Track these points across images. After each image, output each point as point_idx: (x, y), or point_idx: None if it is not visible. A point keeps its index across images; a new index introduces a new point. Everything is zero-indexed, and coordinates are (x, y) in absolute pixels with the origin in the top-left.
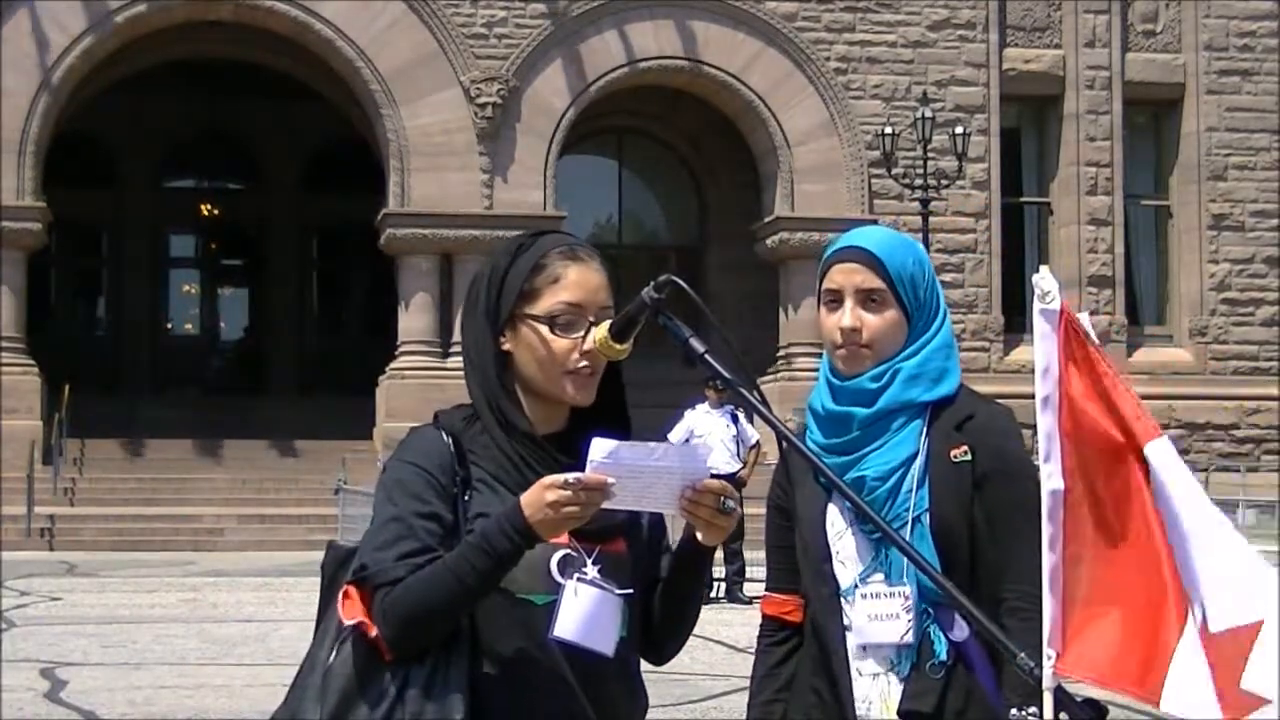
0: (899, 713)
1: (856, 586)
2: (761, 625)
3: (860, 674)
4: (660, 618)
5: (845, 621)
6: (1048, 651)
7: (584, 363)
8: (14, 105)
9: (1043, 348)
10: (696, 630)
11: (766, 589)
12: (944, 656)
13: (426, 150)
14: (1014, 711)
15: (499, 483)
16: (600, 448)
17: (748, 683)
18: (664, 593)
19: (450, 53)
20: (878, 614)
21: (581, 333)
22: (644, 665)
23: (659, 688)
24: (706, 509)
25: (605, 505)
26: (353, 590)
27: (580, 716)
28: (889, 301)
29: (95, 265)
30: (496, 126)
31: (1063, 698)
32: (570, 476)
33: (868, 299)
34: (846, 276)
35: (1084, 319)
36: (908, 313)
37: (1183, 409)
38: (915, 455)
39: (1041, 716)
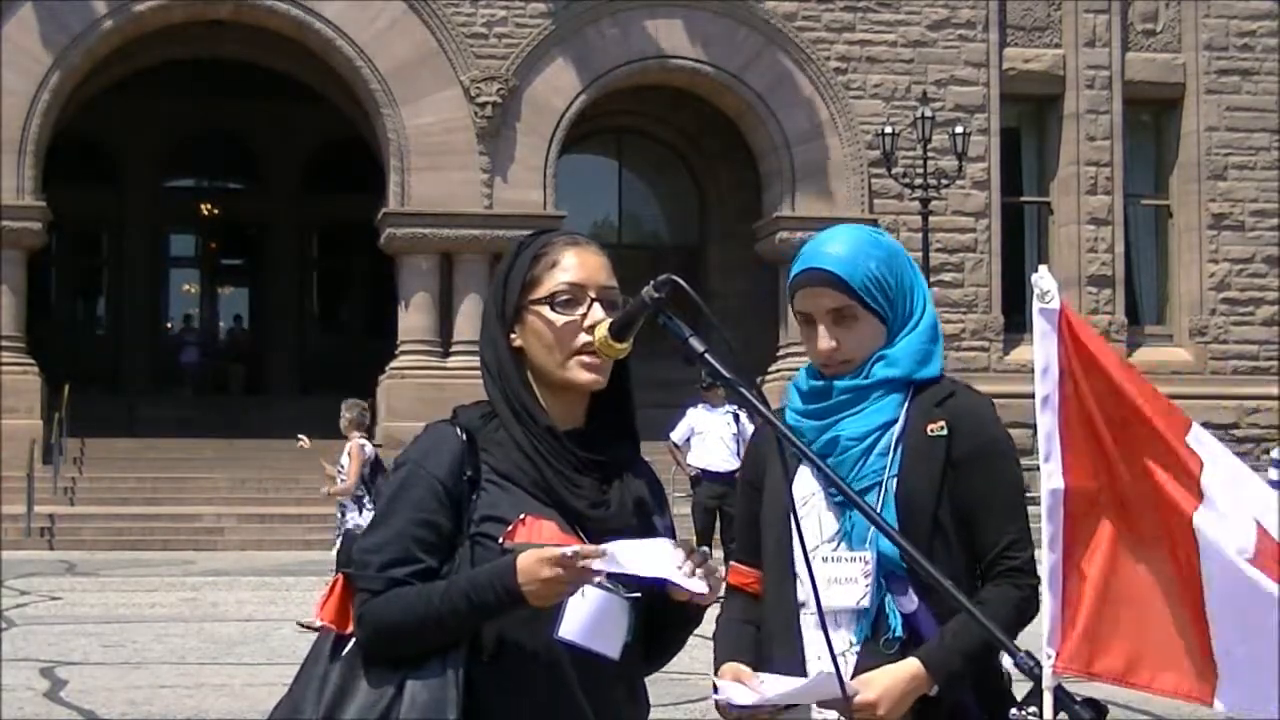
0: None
1: (819, 549)
2: (725, 595)
3: (816, 650)
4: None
5: (800, 596)
6: (1047, 651)
7: (589, 339)
8: (14, 105)
9: (1042, 347)
10: (696, 630)
11: (733, 560)
12: (899, 632)
13: (426, 150)
14: (1014, 711)
15: (510, 480)
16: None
17: None
18: (655, 625)
19: (450, 52)
20: (837, 578)
21: (584, 310)
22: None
23: (659, 687)
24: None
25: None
26: (339, 582)
27: (580, 718)
28: (860, 315)
29: (95, 265)
30: (496, 126)
31: (1063, 697)
32: (568, 550)
33: (839, 317)
34: (814, 300)
35: None
36: (882, 315)
37: (1182, 409)
38: (893, 423)
39: (1041, 716)
